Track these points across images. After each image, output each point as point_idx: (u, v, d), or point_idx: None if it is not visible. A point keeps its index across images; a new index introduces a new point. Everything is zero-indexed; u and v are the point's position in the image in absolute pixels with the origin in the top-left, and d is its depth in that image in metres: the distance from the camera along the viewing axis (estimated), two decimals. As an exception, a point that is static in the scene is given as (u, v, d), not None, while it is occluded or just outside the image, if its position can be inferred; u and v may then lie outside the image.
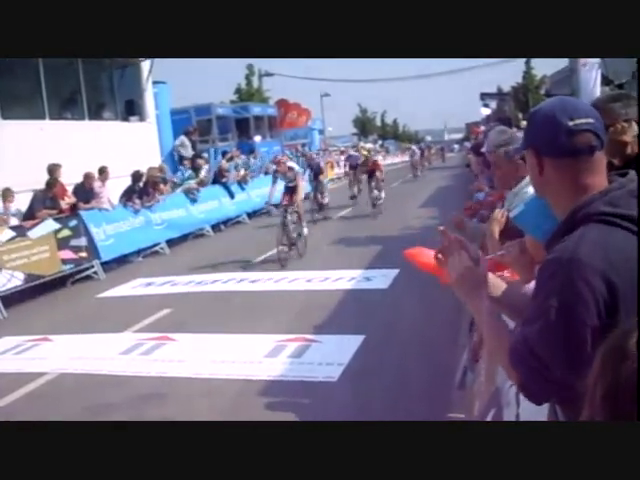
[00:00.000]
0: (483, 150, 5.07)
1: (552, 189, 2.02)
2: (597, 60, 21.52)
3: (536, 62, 55.89)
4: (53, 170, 14.42)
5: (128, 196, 16.45)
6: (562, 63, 34.35)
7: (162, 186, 18.20)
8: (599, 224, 1.85)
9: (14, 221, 13.32)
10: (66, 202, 14.60)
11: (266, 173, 27.50)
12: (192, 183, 20.05)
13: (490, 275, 2.34)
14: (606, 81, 21.38)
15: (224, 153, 26.00)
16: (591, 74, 22.78)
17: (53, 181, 14.08)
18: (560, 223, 1.98)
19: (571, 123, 1.92)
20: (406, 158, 61.91)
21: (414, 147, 51.32)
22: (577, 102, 2.03)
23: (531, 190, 3.22)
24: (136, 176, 16.95)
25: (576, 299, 1.73)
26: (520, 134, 4.56)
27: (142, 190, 17.02)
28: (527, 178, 3.02)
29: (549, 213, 2.32)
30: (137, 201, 16.54)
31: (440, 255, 2.30)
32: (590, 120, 1.94)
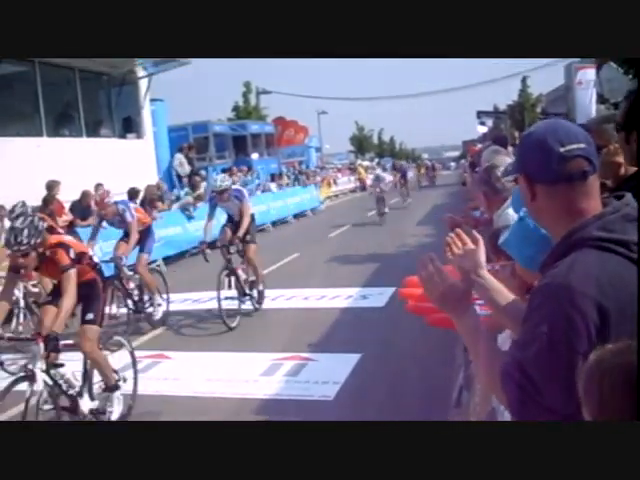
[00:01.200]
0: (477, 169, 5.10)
1: (546, 215, 2.01)
2: (593, 78, 21.65)
3: (532, 80, 56.18)
4: (52, 187, 14.42)
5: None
6: (558, 81, 34.51)
7: (159, 204, 18.19)
8: (592, 249, 1.84)
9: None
10: (63, 220, 14.57)
11: (263, 190, 27.58)
12: (189, 198, 20.06)
13: (496, 283, 2.33)
14: (602, 99, 21.49)
15: (223, 170, 26.04)
16: (587, 92, 22.92)
17: (50, 198, 14.06)
18: (554, 247, 1.97)
19: (562, 149, 1.91)
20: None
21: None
22: (569, 127, 2.01)
23: (511, 212, 3.23)
24: (132, 193, 16.93)
25: (567, 326, 1.72)
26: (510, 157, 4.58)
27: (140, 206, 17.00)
28: (508, 201, 3.04)
29: (531, 240, 2.34)
30: (134, 218, 16.49)
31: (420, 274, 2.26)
32: (582, 145, 1.93)
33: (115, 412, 6.73)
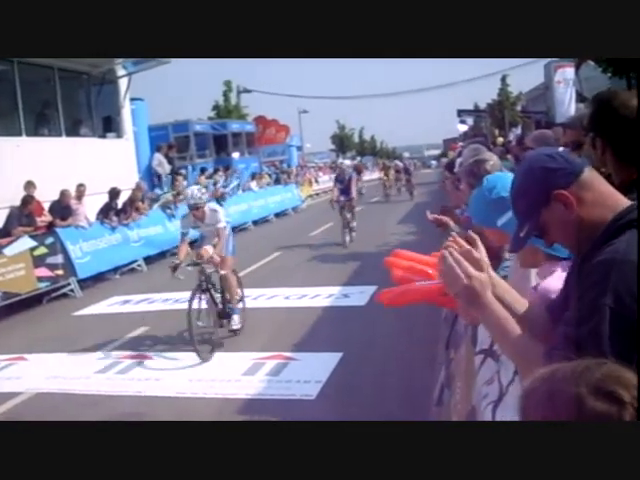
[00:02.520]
0: (455, 170, 5.11)
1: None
2: (572, 77, 21.81)
3: (512, 79, 56.38)
4: (28, 187, 14.36)
5: (105, 213, 16.36)
6: (538, 80, 34.72)
7: (141, 204, 18.14)
8: None
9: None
10: (42, 220, 14.51)
11: (244, 190, 27.55)
12: (168, 196, 20.04)
13: (501, 280, 2.30)
14: (581, 98, 21.65)
15: (202, 170, 25.98)
16: (566, 91, 23.10)
17: (29, 198, 14.00)
18: (603, 230, 1.95)
19: None
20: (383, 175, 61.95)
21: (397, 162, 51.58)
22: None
23: None
24: (113, 193, 16.87)
25: (630, 299, 1.72)
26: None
27: (121, 208, 16.95)
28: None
29: (488, 201, 2.35)
30: (114, 218, 16.46)
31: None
32: None
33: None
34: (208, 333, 9.20)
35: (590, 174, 2.00)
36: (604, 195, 1.99)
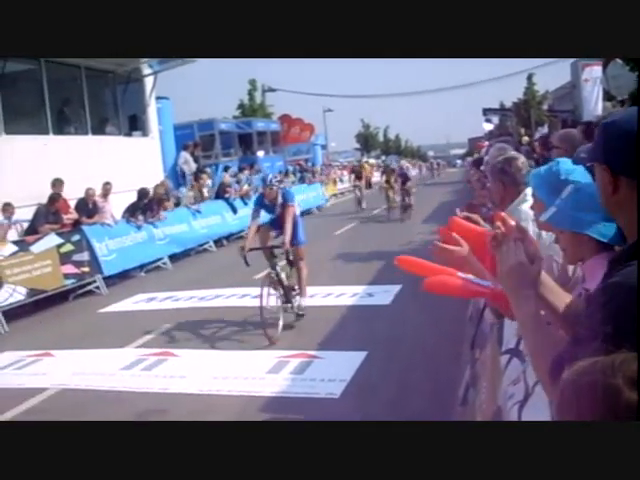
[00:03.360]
0: (482, 168, 5.08)
1: (625, 209, 1.89)
2: (599, 75, 21.61)
3: (538, 78, 56.05)
4: (56, 185, 14.48)
5: (131, 212, 16.45)
6: (564, 79, 34.45)
7: (167, 203, 18.23)
8: None
9: (13, 232, 13.38)
10: (68, 217, 14.62)
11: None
12: (190, 194, 20.23)
13: (548, 278, 2.25)
14: (608, 97, 21.45)
15: (227, 168, 26.05)
16: (593, 89, 22.89)
17: (56, 196, 14.12)
18: (628, 246, 1.88)
19: None
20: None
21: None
22: None
23: (524, 207, 3.23)
24: (142, 193, 16.96)
25: (631, 327, 1.63)
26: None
27: (147, 206, 17.04)
28: (521, 195, 3.03)
29: (591, 206, 2.28)
30: (140, 217, 16.54)
31: (494, 242, 2.17)
32: None
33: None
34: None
35: None
36: None
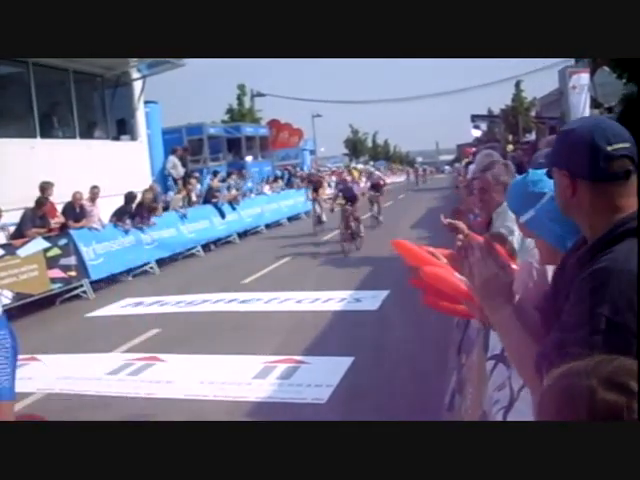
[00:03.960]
0: (469, 175, 5.11)
1: (584, 210, 2.01)
2: (587, 83, 21.70)
3: (526, 85, 56.32)
4: (45, 188, 14.41)
5: (119, 216, 16.41)
6: (552, 86, 34.61)
7: (156, 209, 18.20)
8: None
9: (0, 236, 13.33)
10: (55, 221, 14.55)
11: (258, 193, 27.60)
12: (178, 197, 20.22)
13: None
14: (595, 104, 21.55)
15: (215, 173, 26.02)
16: (581, 97, 22.99)
17: (43, 200, 14.05)
18: (596, 239, 1.96)
19: (610, 148, 1.92)
20: (396, 179, 62.08)
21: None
22: (614, 125, 2.01)
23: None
24: (129, 197, 16.93)
25: (628, 308, 1.72)
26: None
27: (136, 212, 17.00)
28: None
29: (563, 219, 2.34)
30: (128, 221, 16.50)
31: (463, 255, 2.26)
32: (627, 145, 1.94)
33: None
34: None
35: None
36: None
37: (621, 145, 1.93)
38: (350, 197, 19.15)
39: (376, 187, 25.65)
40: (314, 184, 26.64)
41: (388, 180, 68.28)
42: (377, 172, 28.64)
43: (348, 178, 23.35)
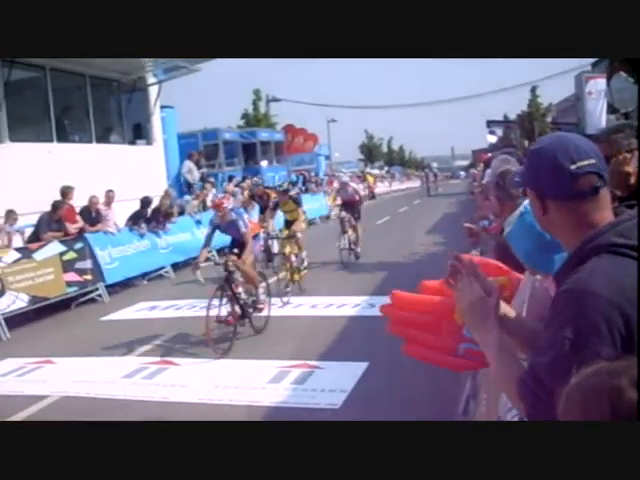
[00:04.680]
0: (484, 181, 5.09)
1: (558, 227, 2.02)
2: (603, 88, 21.62)
3: (542, 90, 56.11)
4: (66, 193, 14.53)
5: (135, 221, 16.46)
6: (568, 91, 34.49)
7: (170, 211, 18.23)
8: (611, 255, 1.84)
9: (17, 239, 13.40)
10: (75, 227, 14.57)
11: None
12: (194, 203, 20.22)
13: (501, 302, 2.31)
14: (612, 109, 21.45)
15: (231, 178, 26.07)
16: (597, 102, 22.91)
17: (59, 203, 14.11)
18: (569, 255, 1.97)
19: (573, 167, 1.91)
20: (411, 185, 62.02)
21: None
22: (578, 142, 1.99)
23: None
24: (145, 202, 16.97)
25: (590, 330, 1.71)
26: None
27: (152, 216, 17.04)
28: (521, 207, 3.06)
29: (530, 235, 2.36)
30: (143, 226, 16.54)
31: (450, 280, 2.29)
32: (592, 161, 1.93)
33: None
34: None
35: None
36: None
37: (586, 162, 1.92)
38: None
39: (351, 206, 17.27)
40: (261, 203, 17.53)
41: (403, 186, 68.21)
42: (350, 183, 18.54)
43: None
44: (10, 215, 13.33)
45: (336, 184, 25.05)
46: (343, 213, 16.88)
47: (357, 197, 17.58)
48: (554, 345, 1.77)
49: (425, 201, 46.51)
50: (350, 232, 16.97)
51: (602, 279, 1.77)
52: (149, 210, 17.08)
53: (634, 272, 1.77)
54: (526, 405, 1.85)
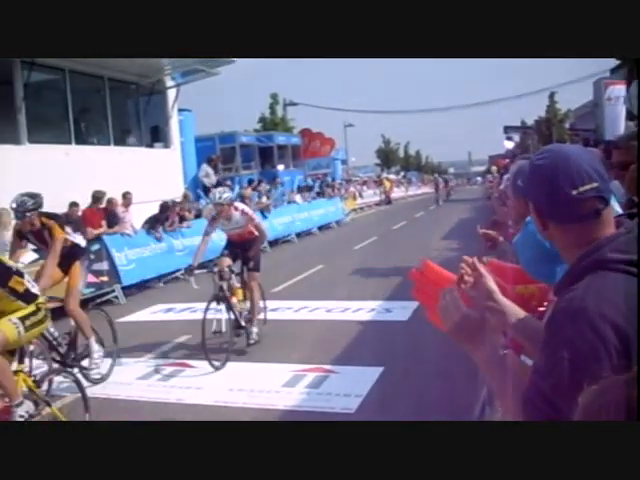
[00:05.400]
0: (501, 186, 5.06)
1: (557, 242, 1.98)
2: (622, 94, 21.50)
3: (560, 96, 55.91)
4: (98, 197, 14.73)
5: (152, 224, 16.50)
6: (586, 97, 34.35)
7: (187, 214, 18.27)
8: (607, 272, 1.79)
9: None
10: (95, 232, 14.61)
11: (288, 202, 27.63)
12: (210, 206, 20.26)
13: (512, 305, 2.26)
14: (630, 116, 21.33)
15: (249, 182, 26.13)
16: (616, 109, 22.78)
17: (74, 205, 14.20)
18: (567, 271, 1.93)
19: (575, 192, 1.83)
20: (428, 190, 61.96)
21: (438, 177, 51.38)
22: (580, 164, 1.88)
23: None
24: (163, 207, 17.03)
25: (588, 350, 1.68)
26: None
27: (167, 218, 17.09)
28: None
29: (533, 244, 2.34)
30: (160, 229, 16.58)
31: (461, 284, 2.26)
32: (594, 184, 1.84)
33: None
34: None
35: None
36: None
37: (588, 187, 1.83)
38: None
39: (242, 245, 10.82)
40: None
41: (420, 191, 68.04)
42: (239, 205, 10.97)
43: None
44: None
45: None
46: (225, 260, 10.21)
47: (253, 229, 10.71)
48: (555, 366, 1.73)
49: (441, 206, 46.36)
50: (238, 298, 10.29)
51: (596, 296, 1.73)
52: (167, 215, 17.14)
53: (630, 288, 1.73)
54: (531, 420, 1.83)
